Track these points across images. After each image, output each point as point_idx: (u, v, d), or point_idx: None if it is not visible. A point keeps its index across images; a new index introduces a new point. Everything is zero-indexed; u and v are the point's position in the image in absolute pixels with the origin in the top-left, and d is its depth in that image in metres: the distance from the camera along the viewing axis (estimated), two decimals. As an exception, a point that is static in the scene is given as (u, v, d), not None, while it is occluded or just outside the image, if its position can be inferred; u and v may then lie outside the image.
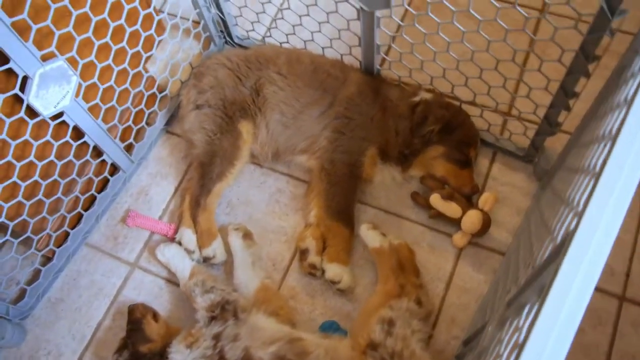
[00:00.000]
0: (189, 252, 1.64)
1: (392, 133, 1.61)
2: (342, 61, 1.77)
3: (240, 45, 2.01)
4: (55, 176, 1.52)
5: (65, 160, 1.53)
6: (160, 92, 1.81)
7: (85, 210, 1.72)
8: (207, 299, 1.48)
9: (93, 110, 1.53)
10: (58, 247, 1.68)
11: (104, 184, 1.76)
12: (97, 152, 1.65)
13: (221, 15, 1.88)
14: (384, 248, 1.54)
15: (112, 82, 1.55)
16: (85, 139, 1.56)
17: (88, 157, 1.61)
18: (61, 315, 1.68)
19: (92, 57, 1.45)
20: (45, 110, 1.37)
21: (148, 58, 1.70)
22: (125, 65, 1.57)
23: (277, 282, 1.63)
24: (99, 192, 1.74)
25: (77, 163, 1.57)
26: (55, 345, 1.64)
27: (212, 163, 1.67)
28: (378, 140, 1.61)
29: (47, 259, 1.68)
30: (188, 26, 1.79)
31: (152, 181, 1.84)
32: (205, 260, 1.65)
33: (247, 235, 1.66)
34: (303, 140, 1.67)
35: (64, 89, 1.40)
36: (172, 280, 1.67)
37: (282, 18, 1.84)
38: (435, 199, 1.58)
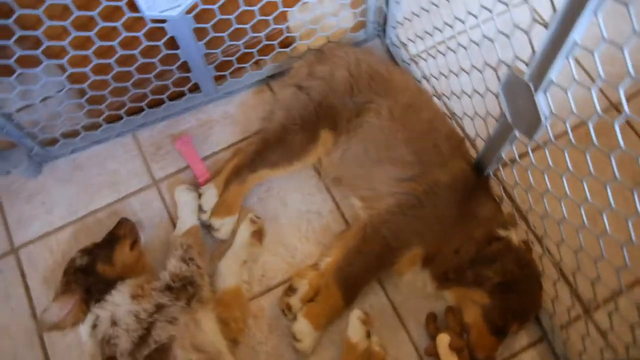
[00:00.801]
0: (201, 210, 1.56)
1: (451, 248, 1.37)
2: (461, 139, 1.51)
3: (388, 49, 1.79)
4: (132, 68, 1.46)
5: (149, 60, 1.46)
6: (281, 47, 1.67)
7: (149, 107, 1.68)
8: (178, 267, 1.40)
9: (199, 32, 1.43)
10: (107, 122, 1.66)
11: (179, 96, 1.69)
12: (186, 68, 1.56)
13: (385, 11, 1.66)
14: (359, 346, 1.36)
15: (232, 17, 1.42)
16: (179, 52, 1.48)
17: (174, 68, 1.54)
18: (73, 180, 1.70)
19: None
20: (148, 11, 1.28)
21: (284, 13, 1.54)
22: (256, 8, 1.43)
23: (253, 294, 1.52)
24: (170, 100, 1.68)
25: (160, 68, 1.50)
26: (53, 202, 1.67)
27: (273, 148, 1.53)
28: (433, 244, 1.38)
29: (92, 127, 1.68)
30: (347, 2, 1.60)
31: (223, 120, 1.75)
32: (209, 228, 1.56)
33: (257, 233, 1.54)
34: (367, 189, 1.48)
35: (177, 1, 1.30)
36: (174, 222, 1.61)
37: (442, 53, 1.57)
38: (443, 340, 1.35)
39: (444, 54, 1.51)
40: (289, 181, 1.64)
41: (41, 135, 1.61)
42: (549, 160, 1.14)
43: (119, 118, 1.67)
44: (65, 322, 1.40)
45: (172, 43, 1.44)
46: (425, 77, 1.67)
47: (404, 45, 1.74)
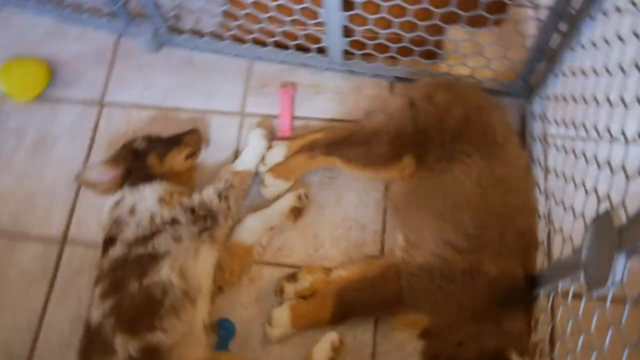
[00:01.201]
0: (263, 161, 1.56)
1: (457, 338, 1.25)
2: (534, 244, 1.34)
3: (524, 115, 1.61)
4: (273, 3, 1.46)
5: (290, 4, 1.45)
6: (420, 56, 1.57)
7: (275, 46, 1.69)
8: (210, 198, 1.43)
9: (348, 3, 1.39)
10: (233, 40, 1.69)
11: (304, 50, 1.67)
12: (321, 28, 1.53)
13: (542, 76, 1.51)
14: None
15: (385, 4, 1.36)
16: (321, 10, 1.44)
17: (311, 22, 1.50)
18: (180, 73, 1.78)
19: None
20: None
21: (438, 26, 1.44)
22: (411, 7, 1.35)
23: (261, 259, 1.52)
24: (295, 49, 1.67)
25: (296, 16, 1.49)
26: (153, 81, 1.78)
27: (355, 145, 1.47)
28: (441, 324, 1.28)
29: (218, 37, 1.71)
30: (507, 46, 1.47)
31: (332, 93, 1.70)
32: (260, 180, 1.56)
33: (297, 211, 1.52)
34: (415, 233, 1.37)
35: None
36: (236, 157, 1.62)
37: (574, 154, 1.37)
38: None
39: (575, 155, 1.33)
40: (355, 182, 1.58)
41: (173, 21, 1.68)
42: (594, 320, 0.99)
43: (244, 42, 1.69)
44: (100, 186, 1.49)
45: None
46: (541, 165, 1.50)
47: (545, 121, 1.57)
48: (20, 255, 1.60)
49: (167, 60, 1.79)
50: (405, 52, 1.57)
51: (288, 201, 1.52)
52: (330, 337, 1.35)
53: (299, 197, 1.52)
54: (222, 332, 1.45)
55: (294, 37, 1.61)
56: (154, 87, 1.75)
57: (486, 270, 1.26)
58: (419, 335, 1.30)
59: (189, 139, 1.58)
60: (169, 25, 1.69)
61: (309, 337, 1.41)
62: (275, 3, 1.46)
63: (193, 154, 1.58)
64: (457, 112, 1.42)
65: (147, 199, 1.42)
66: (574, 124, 1.32)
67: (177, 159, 1.54)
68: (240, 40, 1.70)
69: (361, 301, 1.36)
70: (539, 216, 1.41)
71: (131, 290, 1.28)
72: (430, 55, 1.58)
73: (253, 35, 1.66)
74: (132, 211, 1.40)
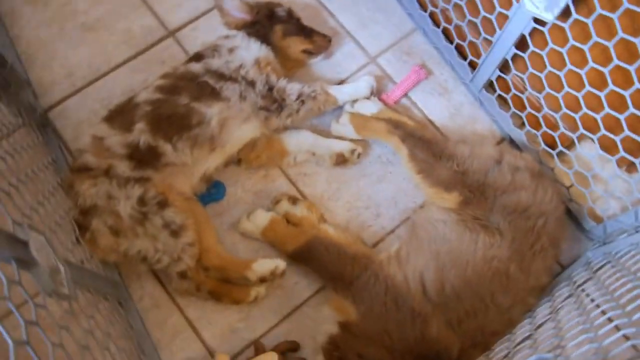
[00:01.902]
0: (352, 103, 1.62)
1: (356, 348, 1.29)
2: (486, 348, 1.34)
3: (590, 262, 1.56)
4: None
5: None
6: (543, 139, 1.54)
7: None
8: (291, 91, 1.52)
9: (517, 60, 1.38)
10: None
11: (463, 55, 1.68)
12: (484, 46, 1.53)
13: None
14: (249, 277, 1.42)
15: (542, 74, 1.34)
16: (492, 39, 1.44)
17: (480, 37, 1.51)
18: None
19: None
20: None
21: (570, 116, 1.41)
22: (560, 93, 1.33)
23: (284, 169, 1.61)
24: (456, 47, 1.68)
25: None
26: None
27: (427, 152, 1.46)
28: (358, 329, 1.31)
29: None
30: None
31: (453, 104, 1.71)
32: (338, 115, 1.62)
33: (342, 159, 1.57)
34: (406, 252, 1.40)
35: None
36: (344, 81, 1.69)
37: None
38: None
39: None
40: (403, 181, 1.61)
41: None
42: None
43: (425, 8, 1.72)
44: (226, 17, 1.61)
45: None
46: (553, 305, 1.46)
47: (591, 274, 1.50)
48: (135, 21, 1.77)
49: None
50: (535, 125, 1.54)
51: (343, 146, 1.57)
52: (277, 262, 1.42)
53: (352, 151, 1.57)
54: (213, 190, 1.56)
55: (463, 36, 1.61)
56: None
57: (429, 328, 1.28)
58: (339, 323, 1.35)
59: (319, 40, 1.65)
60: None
61: (263, 254, 1.49)
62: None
63: (310, 53, 1.65)
64: (525, 197, 1.40)
65: (249, 51, 1.52)
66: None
67: (295, 46, 1.62)
68: (422, 4, 1.73)
69: (323, 261, 1.42)
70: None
71: (178, 101, 1.40)
72: (549, 141, 1.55)
73: (431, 9, 1.68)
74: (231, 51, 1.51)
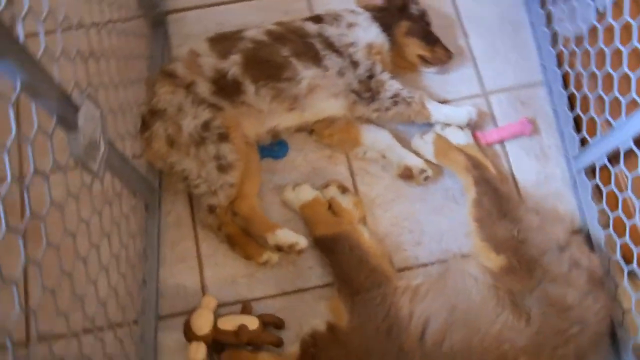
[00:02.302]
0: (444, 126, 1.54)
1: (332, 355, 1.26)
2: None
3: None
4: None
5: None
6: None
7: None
8: (389, 87, 1.49)
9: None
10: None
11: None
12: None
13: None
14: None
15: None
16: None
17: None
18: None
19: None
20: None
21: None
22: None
23: (350, 158, 1.59)
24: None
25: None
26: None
27: (493, 205, 1.38)
28: (342, 335, 1.26)
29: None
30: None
31: (538, 169, 1.58)
32: (425, 132, 1.55)
33: (408, 174, 1.51)
34: (425, 289, 1.32)
35: None
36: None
37: None
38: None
39: None
40: (457, 223, 1.51)
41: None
42: None
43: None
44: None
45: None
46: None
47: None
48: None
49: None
50: (622, 230, 1.39)
51: (415, 162, 1.51)
52: (300, 239, 1.40)
53: (421, 171, 1.50)
54: (276, 147, 1.56)
55: (586, 109, 1.49)
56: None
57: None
58: (328, 323, 1.31)
59: (440, 52, 1.58)
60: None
61: (291, 226, 1.46)
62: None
63: (425, 62, 1.60)
64: (572, 298, 1.27)
65: (366, 33, 1.50)
66: None
67: (414, 48, 1.58)
68: (560, 61, 1.61)
69: (342, 259, 1.37)
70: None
71: (280, 51, 1.43)
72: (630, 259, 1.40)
73: (566, 69, 1.56)
74: (350, 26, 1.49)
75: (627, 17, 1.25)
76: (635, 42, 1.23)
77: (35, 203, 0.82)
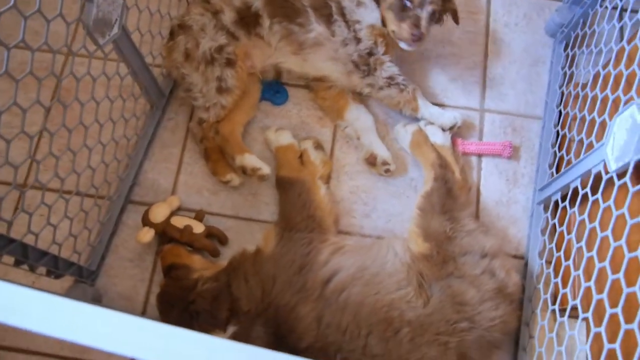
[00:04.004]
0: (428, 122, 1.65)
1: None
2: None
3: None
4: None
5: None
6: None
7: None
8: (385, 69, 1.61)
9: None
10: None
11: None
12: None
13: None
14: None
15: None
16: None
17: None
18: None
19: None
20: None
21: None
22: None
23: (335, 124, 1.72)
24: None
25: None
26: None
27: (441, 203, 1.48)
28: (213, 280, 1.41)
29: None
30: None
31: (501, 201, 1.67)
32: (407, 123, 1.67)
33: (372, 160, 1.64)
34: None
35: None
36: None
37: None
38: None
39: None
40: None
41: None
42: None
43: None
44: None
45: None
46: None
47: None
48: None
49: None
50: (559, 269, 1.45)
51: (381, 152, 1.64)
52: (263, 166, 1.57)
53: (384, 162, 1.63)
54: (278, 95, 1.74)
55: (569, 150, 1.54)
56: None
57: (302, 307, 1.32)
58: (257, 247, 1.46)
59: (405, 29, 1.57)
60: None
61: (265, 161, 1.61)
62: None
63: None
64: (471, 297, 1.34)
65: (370, 14, 1.61)
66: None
67: (388, 22, 1.61)
68: (563, 102, 1.67)
69: (291, 199, 1.53)
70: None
71: (300, 2, 1.59)
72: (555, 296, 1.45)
73: (566, 110, 1.62)
74: (359, 4, 1.61)
75: (622, 67, 1.30)
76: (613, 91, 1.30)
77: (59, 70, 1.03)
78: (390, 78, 1.59)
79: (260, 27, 1.58)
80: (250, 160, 1.56)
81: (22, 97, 1.04)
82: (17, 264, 1.17)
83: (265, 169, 1.56)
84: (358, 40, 1.58)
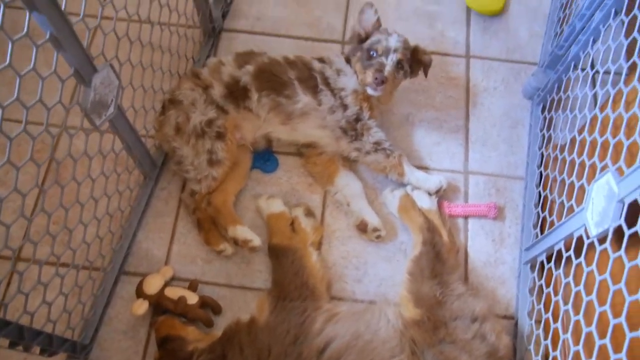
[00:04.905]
0: (415, 186, 1.71)
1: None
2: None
3: None
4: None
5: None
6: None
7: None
8: (372, 135, 1.67)
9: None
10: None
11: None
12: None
13: None
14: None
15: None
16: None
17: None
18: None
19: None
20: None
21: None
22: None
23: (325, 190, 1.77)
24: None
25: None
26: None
27: (427, 267, 1.52)
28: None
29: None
30: None
31: (487, 258, 1.71)
32: (394, 188, 1.73)
33: (362, 227, 1.68)
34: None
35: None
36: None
37: None
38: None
39: None
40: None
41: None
42: None
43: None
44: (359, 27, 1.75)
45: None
46: None
47: None
48: (329, 16, 2.05)
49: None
50: (548, 332, 1.48)
51: (371, 219, 1.67)
52: (254, 238, 1.61)
53: (374, 229, 1.66)
54: (268, 162, 1.79)
55: (551, 211, 1.59)
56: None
57: None
58: (251, 315, 1.47)
59: (368, 75, 1.64)
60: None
61: (256, 231, 1.64)
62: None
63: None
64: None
65: (349, 80, 1.70)
66: None
67: (357, 72, 1.71)
68: (544, 164, 1.74)
69: (283, 267, 1.56)
70: None
71: (288, 72, 1.68)
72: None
73: (546, 172, 1.68)
74: (339, 72, 1.72)
75: (596, 134, 1.37)
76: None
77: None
78: (377, 143, 1.66)
79: (249, 101, 1.64)
80: (241, 232, 1.59)
81: (21, 178, 1.07)
82: (12, 345, 1.18)
83: (256, 241, 1.59)
84: (345, 107, 1.65)
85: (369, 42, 1.68)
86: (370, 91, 1.66)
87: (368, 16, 1.70)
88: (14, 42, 0.93)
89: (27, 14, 0.98)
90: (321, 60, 1.74)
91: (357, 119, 1.65)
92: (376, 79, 1.61)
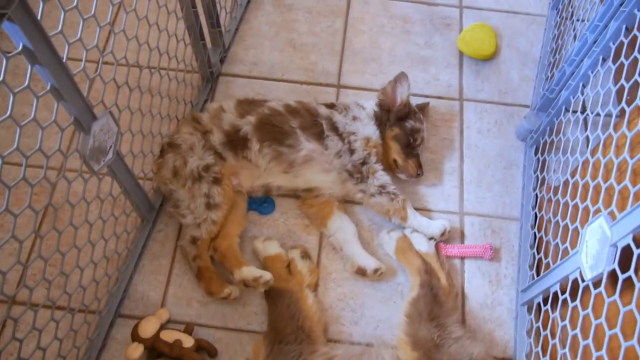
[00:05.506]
0: (415, 230, 1.72)
1: None
2: None
3: None
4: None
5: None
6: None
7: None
8: (377, 178, 1.71)
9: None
10: (535, 197, 1.75)
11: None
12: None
13: None
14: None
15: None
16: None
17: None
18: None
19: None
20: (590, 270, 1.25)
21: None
22: None
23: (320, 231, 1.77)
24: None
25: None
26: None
27: (426, 311, 1.52)
28: None
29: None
30: None
31: (489, 298, 1.70)
32: (392, 230, 1.74)
33: (361, 272, 1.67)
34: None
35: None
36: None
37: None
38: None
39: None
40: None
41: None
42: None
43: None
44: (384, 98, 1.84)
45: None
46: None
47: None
48: (325, 61, 2.10)
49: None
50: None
51: (366, 262, 1.66)
52: (265, 273, 1.58)
53: (375, 271, 1.65)
54: (265, 205, 1.80)
55: (547, 253, 1.60)
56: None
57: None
58: (247, 360, 1.47)
59: (410, 165, 1.79)
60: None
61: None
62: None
63: (397, 167, 1.82)
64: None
65: (365, 128, 1.76)
66: None
67: (393, 152, 1.80)
68: (538, 205, 1.75)
69: (280, 311, 1.55)
70: None
71: (290, 122, 1.71)
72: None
73: (541, 214, 1.69)
74: (354, 119, 1.76)
75: (588, 177, 1.39)
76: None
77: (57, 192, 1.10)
78: (382, 187, 1.68)
79: (249, 151, 1.67)
80: (248, 272, 1.58)
81: (18, 222, 1.08)
82: (5, 394, 1.17)
83: (267, 275, 1.57)
84: (352, 152, 1.68)
85: (410, 125, 1.79)
86: (403, 177, 1.81)
87: (404, 88, 1.80)
88: (15, 94, 0.96)
89: (29, 66, 1.01)
90: (330, 106, 1.78)
91: (364, 163, 1.68)
92: (419, 175, 1.78)
